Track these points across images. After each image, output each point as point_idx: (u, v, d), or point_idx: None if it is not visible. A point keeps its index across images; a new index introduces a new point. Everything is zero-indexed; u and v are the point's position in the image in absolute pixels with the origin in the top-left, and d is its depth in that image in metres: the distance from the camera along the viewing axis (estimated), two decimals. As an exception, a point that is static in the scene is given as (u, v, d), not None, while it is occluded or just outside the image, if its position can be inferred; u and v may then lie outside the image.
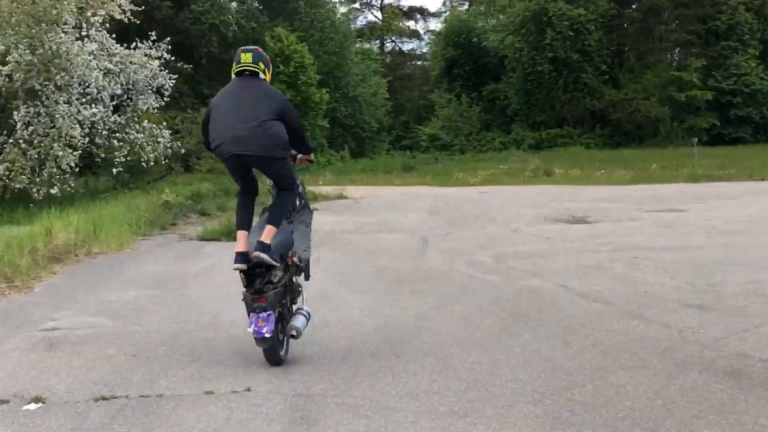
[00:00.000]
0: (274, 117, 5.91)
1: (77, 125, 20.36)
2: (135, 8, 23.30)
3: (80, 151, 20.91)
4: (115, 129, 22.23)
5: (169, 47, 23.77)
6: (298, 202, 6.77)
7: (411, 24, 78.51)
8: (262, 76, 6.14)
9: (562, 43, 48.96)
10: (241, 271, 5.77)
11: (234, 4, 41.59)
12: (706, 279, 8.64)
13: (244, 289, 5.81)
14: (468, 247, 11.63)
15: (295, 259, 6.27)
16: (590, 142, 49.88)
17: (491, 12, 58.45)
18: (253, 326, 5.55)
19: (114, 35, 22.68)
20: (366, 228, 14.97)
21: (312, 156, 7.00)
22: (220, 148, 6.00)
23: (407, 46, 78.57)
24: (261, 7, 43.22)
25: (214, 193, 21.66)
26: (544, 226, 14.46)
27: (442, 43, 60.10)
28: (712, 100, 50.79)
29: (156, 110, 31.61)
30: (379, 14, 77.35)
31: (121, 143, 21.95)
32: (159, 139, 23.08)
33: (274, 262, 5.77)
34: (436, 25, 73.24)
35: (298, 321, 5.98)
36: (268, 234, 5.83)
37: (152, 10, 34.64)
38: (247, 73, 6.09)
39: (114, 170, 21.84)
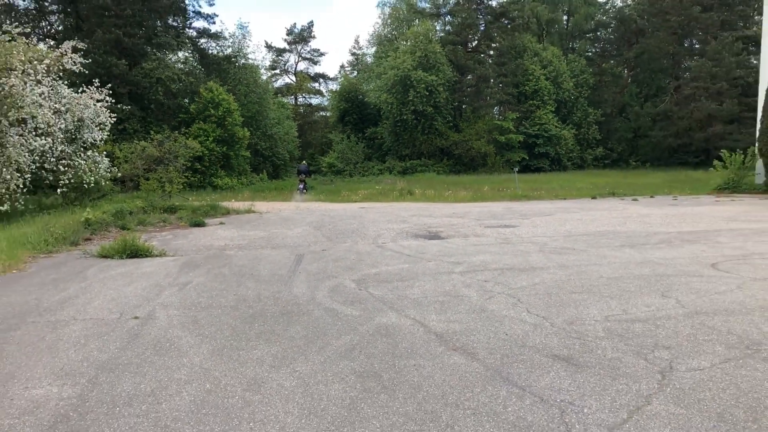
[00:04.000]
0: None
1: (26, 153, 16.98)
2: (83, 61, 20.10)
3: (29, 175, 17.46)
4: (63, 157, 18.58)
5: (111, 92, 20.16)
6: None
7: (316, 85, 75.65)
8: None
9: (421, 100, 46.67)
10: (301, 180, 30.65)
11: (178, 64, 37.30)
12: (562, 313, 5.80)
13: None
14: (336, 269, 8.49)
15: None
16: (440, 169, 47.76)
17: (371, 77, 55.90)
18: (300, 186, 29.58)
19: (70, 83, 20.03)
20: (254, 244, 11.66)
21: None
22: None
23: (314, 101, 75.71)
24: (200, 67, 39.18)
25: (142, 209, 17.94)
26: (405, 242, 11.49)
27: (337, 99, 57.27)
28: (522, 141, 49.95)
29: (112, 142, 27.75)
30: (293, 78, 74.03)
31: (66, 168, 18.24)
32: (100, 165, 19.42)
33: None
34: (333, 86, 70.58)
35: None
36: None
37: (110, 67, 30.28)
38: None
39: (58, 190, 18.08)
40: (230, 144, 33.55)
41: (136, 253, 10.23)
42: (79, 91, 19.70)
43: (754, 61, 52.30)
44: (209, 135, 32.41)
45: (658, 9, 51.82)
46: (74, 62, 19.97)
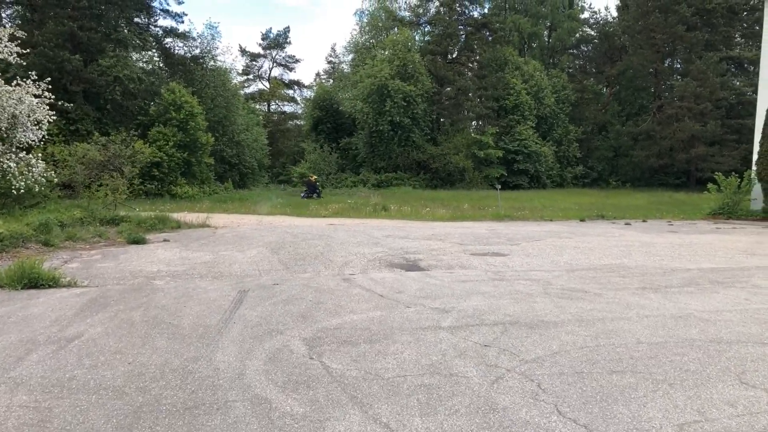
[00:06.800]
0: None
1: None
2: (20, 51, 17.97)
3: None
4: (-12, 159, 16.28)
5: (50, 86, 17.88)
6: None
7: (290, 92, 73.66)
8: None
9: (398, 110, 44.99)
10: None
11: (140, 63, 34.97)
12: (609, 416, 3.82)
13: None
14: (284, 317, 6.43)
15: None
16: (416, 183, 45.99)
17: (347, 85, 54.14)
18: (303, 195, 31.44)
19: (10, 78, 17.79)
20: (193, 271, 9.56)
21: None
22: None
23: (287, 108, 73.66)
24: (165, 67, 36.91)
25: (80, 221, 15.65)
26: (378, 273, 9.50)
27: (311, 107, 55.44)
28: (501, 157, 48.48)
29: (62, 144, 25.39)
30: (267, 84, 71.97)
31: (-10, 171, 15.96)
32: (34, 169, 17.07)
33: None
34: (308, 93, 68.68)
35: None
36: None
37: (62, 62, 27.88)
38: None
39: (-21, 196, 15.78)
40: (192, 150, 31.25)
41: (36, 282, 8.09)
42: (13, 84, 17.41)
43: (737, 83, 51.67)
44: (169, 139, 30.12)
45: (643, 26, 50.85)
46: (10, 52, 17.77)
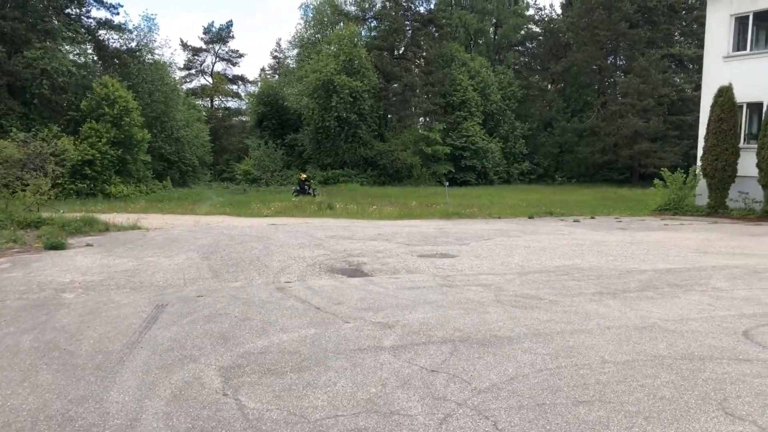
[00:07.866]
0: None
1: None
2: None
3: None
4: None
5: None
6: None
7: (234, 87, 71.71)
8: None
9: (344, 106, 43.96)
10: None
11: (71, 55, 33.06)
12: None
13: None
14: (202, 338, 5.56)
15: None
16: (363, 180, 45.13)
17: (292, 81, 52.92)
18: (294, 193, 28.75)
19: None
20: (109, 281, 8.56)
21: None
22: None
23: (231, 104, 71.72)
24: (99, 60, 35.12)
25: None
26: (317, 280, 8.72)
27: (255, 103, 53.93)
28: (449, 153, 48.01)
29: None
30: (210, 79, 69.96)
31: None
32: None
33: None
34: (252, 89, 66.88)
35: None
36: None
37: (-17, 52, 26.06)
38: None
39: None
40: (127, 147, 29.66)
41: None
42: None
43: (678, 80, 52.66)
44: (102, 136, 28.50)
45: (587, 23, 51.28)
46: None
